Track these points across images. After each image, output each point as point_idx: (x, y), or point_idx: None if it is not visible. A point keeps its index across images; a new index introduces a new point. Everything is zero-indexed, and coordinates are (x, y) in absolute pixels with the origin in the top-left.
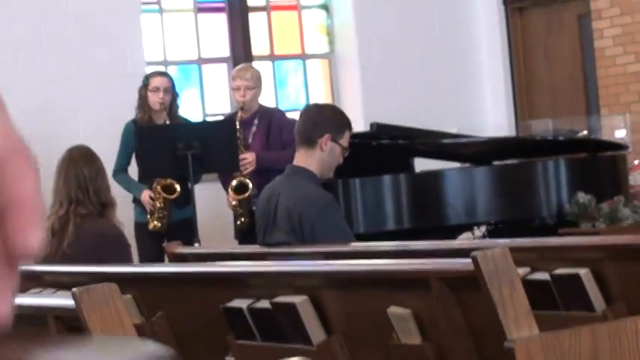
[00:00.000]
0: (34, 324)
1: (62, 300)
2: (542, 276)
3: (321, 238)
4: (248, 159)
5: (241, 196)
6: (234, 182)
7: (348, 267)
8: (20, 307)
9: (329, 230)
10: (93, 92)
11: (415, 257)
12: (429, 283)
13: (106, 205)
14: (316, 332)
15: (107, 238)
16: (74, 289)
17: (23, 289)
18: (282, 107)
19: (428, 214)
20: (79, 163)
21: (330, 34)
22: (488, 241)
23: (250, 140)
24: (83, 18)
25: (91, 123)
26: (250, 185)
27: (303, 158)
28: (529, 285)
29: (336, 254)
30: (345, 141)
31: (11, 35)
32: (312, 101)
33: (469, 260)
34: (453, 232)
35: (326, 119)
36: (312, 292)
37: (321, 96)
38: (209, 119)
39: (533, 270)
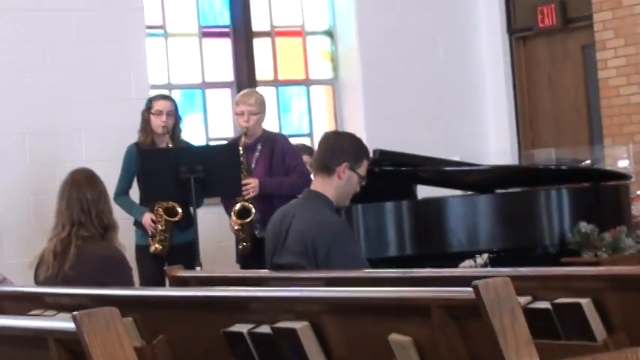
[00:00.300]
0: (34, 346)
1: (63, 323)
2: (544, 305)
3: (337, 263)
4: (251, 184)
5: (244, 221)
6: (236, 207)
7: (350, 294)
8: (20, 329)
9: (344, 256)
10: (96, 115)
11: (417, 285)
12: (430, 311)
13: (108, 228)
14: (317, 358)
15: (109, 261)
16: (75, 313)
17: (24, 310)
18: (285, 132)
19: (430, 241)
20: (82, 185)
21: (334, 60)
22: (490, 270)
23: (253, 165)
24: (88, 41)
25: (93, 145)
26: (253, 210)
27: (321, 184)
28: (530, 314)
29: (338, 280)
30: (362, 170)
31: (16, 57)
32: (315, 127)
33: (470, 289)
34: (455, 259)
35: (344, 147)
36: (314, 318)
37: (324, 122)
38: (212, 143)
39: (535, 299)
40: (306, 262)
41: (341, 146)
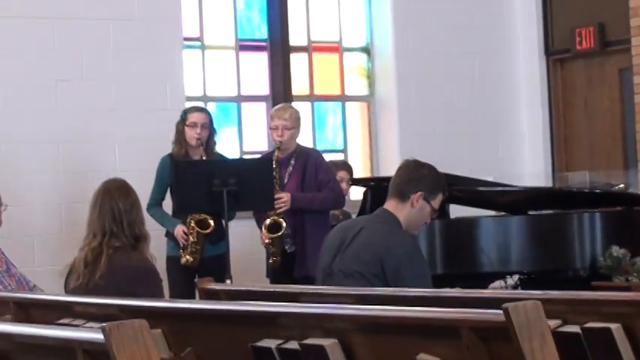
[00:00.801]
0: (62, 356)
1: (92, 334)
2: (573, 329)
3: (406, 280)
4: (283, 198)
5: (274, 235)
6: (267, 221)
7: (379, 312)
8: (49, 339)
9: (414, 274)
10: (131, 125)
11: (447, 305)
12: (459, 332)
13: (139, 239)
14: None
15: (139, 272)
16: (104, 325)
17: (53, 319)
18: (319, 148)
19: (461, 261)
20: (115, 195)
21: (370, 76)
22: (521, 292)
23: (286, 180)
24: (125, 51)
25: (127, 155)
26: (284, 225)
27: (393, 208)
28: (560, 338)
29: (368, 298)
30: (436, 203)
31: (53, 65)
32: (349, 143)
33: (501, 311)
34: (485, 279)
35: (422, 177)
36: (342, 336)
37: (359, 138)
38: (246, 157)
39: (565, 323)
40: (370, 271)
41: (419, 175)
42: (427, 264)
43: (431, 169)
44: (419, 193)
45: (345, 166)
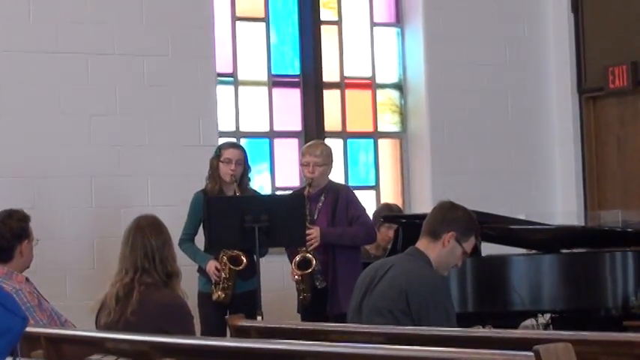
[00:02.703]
0: None
1: None
2: None
3: (430, 319)
4: (313, 234)
5: (304, 272)
6: (297, 257)
7: (409, 353)
8: None
9: (439, 314)
10: (163, 160)
11: (477, 345)
12: None
13: (171, 275)
14: None
15: (171, 309)
16: None
17: (84, 355)
18: (351, 185)
19: (492, 299)
20: (147, 232)
21: (403, 113)
22: (552, 333)
23: (316, 216)
24: (158, 86)
25: (160, 191)
26: (314, 262)
27: (425, 246)
28: None
29: (398, 337)
30: (468, 246)
31: (87, 100)
32: (381, 180)
33: (531, 353)
34: (516, 318)
35: (456, 218)
36: None
37: (390, 175)
38: (278, 193)
39: None
40: (397, 307)
41: (454, 216)
42: (453, 305)
43: (466, 212)
44: (451, 233)
45: (391, 208)
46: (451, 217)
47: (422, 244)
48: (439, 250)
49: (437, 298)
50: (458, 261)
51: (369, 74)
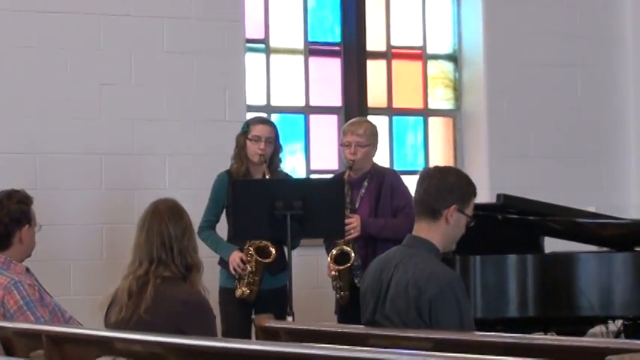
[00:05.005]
0: None
1: None
2: None
3: (439, 320)
4: (353, 223)
5: (342, 267)
6: (334, 251)
7: None
8: None
9: (447, 313)
10: (184, 137)
11: (539, 354)
12: None
13: (191, 268)
14: None
15: (189, 306)
16: None
17: (90, 357)
18: (397, 168)
19: (556, 303)
20: (165, 218)
21: (457, 88)
22: (625, 342)
23: (358, 204)
24: (179, 53)
25: (179, 171)
26: (352, 255)
27: (425, 230)
28: None
29: (447, 343)
30: (470, 209)
31: (97, 67)
32: (431, 164)
33: None
34: (583, 324)
35: (452, 187)
36: None
37: (441, 158)
38: (313, 177)
39: None
40: (408, 319)
41: (448, 186)
42: (468, 304)
43: (457, 174)
44: (452, 206)
45: None
46: (446, 187)
47: (421, 228)
48: (443, 229)
49: (445, 294)
50: (463, 230)
51: (419, 43)
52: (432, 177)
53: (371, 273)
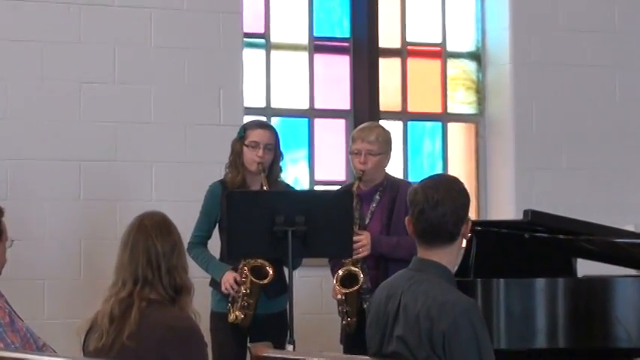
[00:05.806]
0: None
1: None
2: None
3: (455, 356)
4: (362, 241)
5: (349, 290)
6: (340, 272)
7: None
8: None
9: (463, 347)
10: (173, 143)
11: None
12: None
13: (180, 290)
14: None
15: (178, 333)
16: None
17: None
18: (412, 179)
19: (590, 332)
20: (151, 234)
21: (480, 91)
22: None
23: (368, 219)
24: (168, 48)
25: (167, 181)
26: (361, 277)
27: (439, 255)
28: None
29: None
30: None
31: (75, 63)
32: (451, 174)
33: None
34: (620, 357)
35: (463, 204)
36: None
37: (461, 169)
38: (318, 189)
39: None
40: (420, 352)
41: (460, 204)
42: (486, 333)
43: (457, 184)
44: (468, 223)
45: None
46: (459, 206)
47: (435, 253)
48: (458, 247)
49: (460, 324)
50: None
51: (438, 40)
52: (445, 201)
53: (376, 302)
